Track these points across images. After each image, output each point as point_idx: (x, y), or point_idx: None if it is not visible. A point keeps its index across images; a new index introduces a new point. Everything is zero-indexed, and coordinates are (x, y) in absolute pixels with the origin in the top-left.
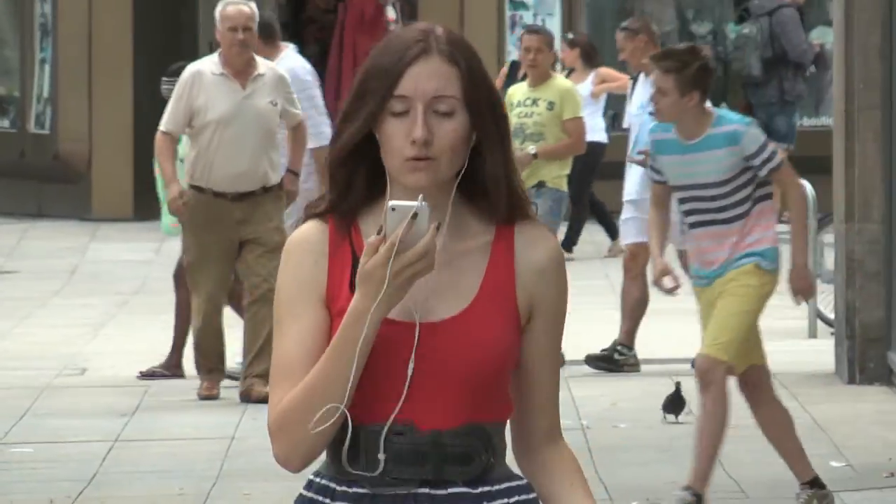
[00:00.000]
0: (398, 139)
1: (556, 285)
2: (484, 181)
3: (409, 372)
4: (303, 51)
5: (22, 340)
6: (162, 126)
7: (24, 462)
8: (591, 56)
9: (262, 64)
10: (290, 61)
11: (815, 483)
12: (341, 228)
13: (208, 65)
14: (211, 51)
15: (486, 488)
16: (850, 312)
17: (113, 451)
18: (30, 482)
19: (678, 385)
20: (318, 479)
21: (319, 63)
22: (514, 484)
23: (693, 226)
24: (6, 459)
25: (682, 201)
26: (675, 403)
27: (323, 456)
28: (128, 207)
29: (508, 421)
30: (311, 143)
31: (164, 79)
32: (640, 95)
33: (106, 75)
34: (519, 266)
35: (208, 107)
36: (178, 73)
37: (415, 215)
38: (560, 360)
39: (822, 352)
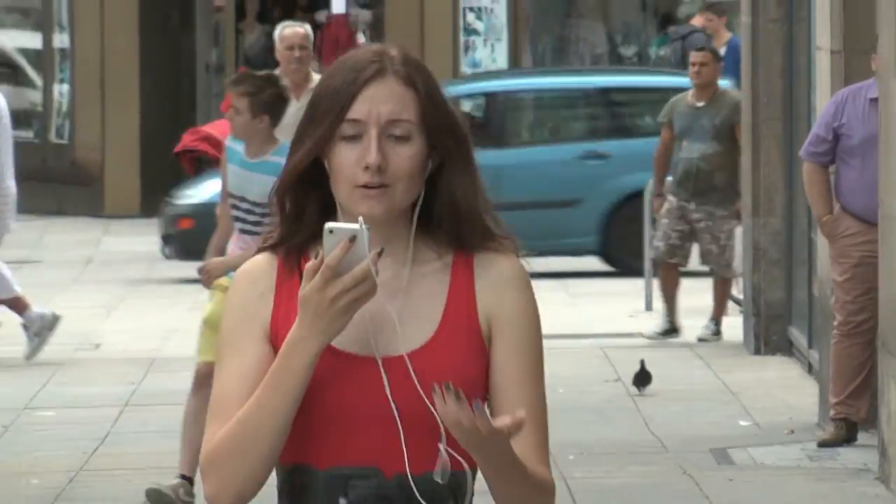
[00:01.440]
0: (349, 165)
1: (518, 300)
2: (442, 208)
3: (395, 414)
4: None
5: None
6: None
7: (47, 424)
8: None
9: (316, 79)
10: None
11: None
12: (290, 261)
13: None
14: (207, 72)
15: None
16: (756, 293)
17: (123, 414)
18: (52, 441)
19: (643, 362)
20: None
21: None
22: None
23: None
24: (32, 422)
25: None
26: (641, 378)
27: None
28: (135, 206)
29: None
30: None
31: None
32: None
33: (116, 93)
34: (478, 287)
35: None
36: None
37: (353, 238)
38: (539, 384)
39: (733, 327)
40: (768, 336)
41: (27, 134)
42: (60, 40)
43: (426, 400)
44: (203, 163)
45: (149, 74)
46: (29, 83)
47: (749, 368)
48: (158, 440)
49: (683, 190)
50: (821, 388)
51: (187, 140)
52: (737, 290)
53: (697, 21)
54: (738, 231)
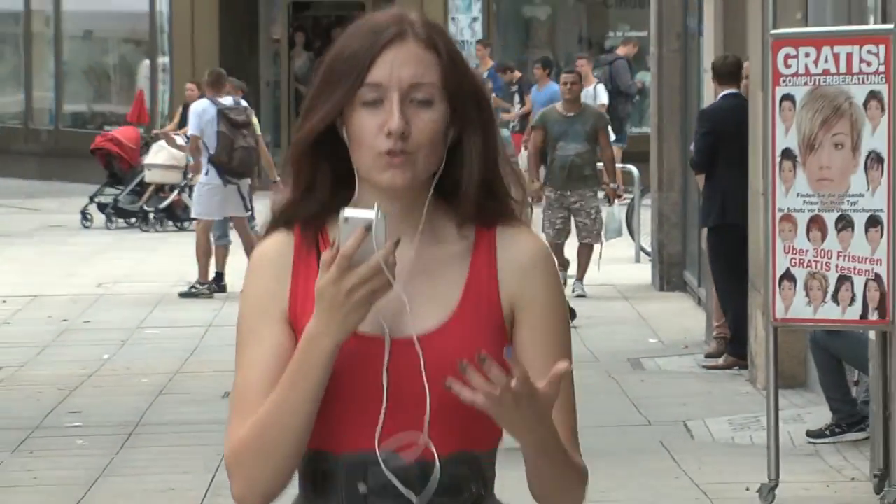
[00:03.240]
0: (370, 132)
1: (543, 286)
2: (464, 178)
3: (384, 394)
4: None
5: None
6: None
7: (154, 339)
8: None
9: None
10: (201, 102)
11: None
12: (307, 238)
13: None
14: (267, 87)
15: None
16: (661, 247)
17: (208, 333)
18: (156, 351)
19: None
20: None
21: None
22: None
23: None
24: (143, 337)
25: None
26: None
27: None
28: None
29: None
30: None
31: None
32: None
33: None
34: (501, 269)
35: None
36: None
37: (369, 227)
38: (568, 381)
39: (644, 271)
40: (669, 278)
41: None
42: (163, 63)
43: (427, 385)
44: (111, 158)
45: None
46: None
47: (656, 301)
48: (233, 352)
49: (560, 181)
50: (707, 316)
51: (99, 141)
52: (646, 245)
53: (620, 51)
54: (604, 209)
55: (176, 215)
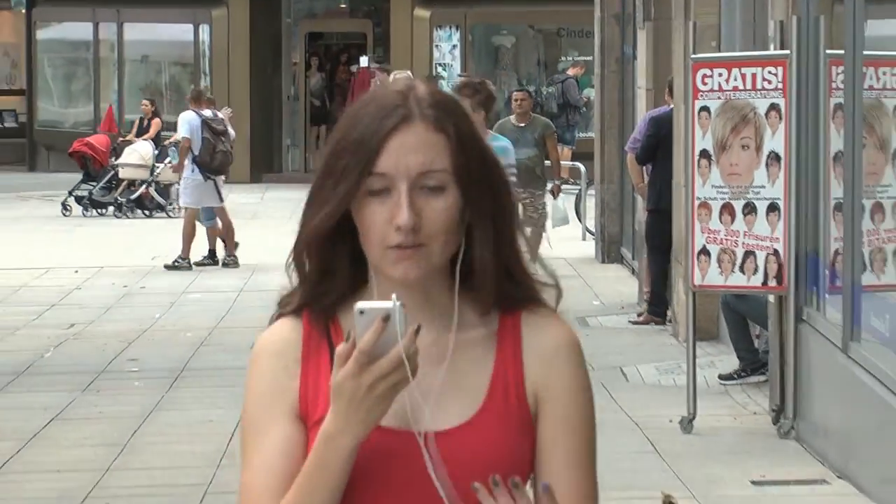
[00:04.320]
0: (379, 224)
1: (570, 377)
2: (481, 264)
3: (441, 492)
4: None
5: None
6: None
7: (196, 301)
8: None
9: None
10: (189, 113)
11: None
12: (318, 326)
13: None
14: (287, 100)
15: None
16: (602, 228)
17: (240, 296)
18: (199, 311)
19: None
20: None
21: None
22: None
23: None
24: (187, 300)
25: None
26: None
27: None
28: (246, 176)
29: None
30: None
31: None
32: None
33: (237, 112)
34: (527, 358)
35: None
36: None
37: (387, 317)
38: (590, 466)
39: (589, 247)
40: (609, 253)
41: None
42: (205, 80)
43: (441, 483)
44: (87, 160)
45: (256, 100)
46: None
47: (598, 271)
48: (261, 313)
49: (515, 182)
50: (639, 283)
51: (76, 146)
52: (591, 226)
53: (570, 71)
54: (550, 202)
55: (144, 205)
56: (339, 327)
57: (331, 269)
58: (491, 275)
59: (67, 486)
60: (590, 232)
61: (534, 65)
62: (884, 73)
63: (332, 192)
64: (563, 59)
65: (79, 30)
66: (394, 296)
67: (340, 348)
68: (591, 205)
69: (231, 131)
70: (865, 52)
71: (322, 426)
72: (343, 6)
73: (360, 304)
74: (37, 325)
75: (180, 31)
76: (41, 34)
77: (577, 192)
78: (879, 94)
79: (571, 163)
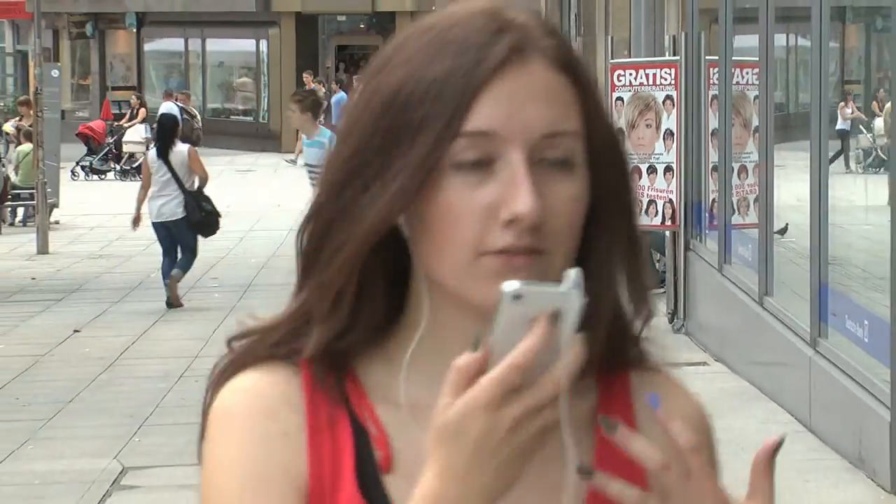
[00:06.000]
0: (470, 216)
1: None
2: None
3: None
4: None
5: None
6: None
7: (258, 237)
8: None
9: None
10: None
11: None
12: (327, 380)
13: None
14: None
15: None
16: None
17: (269, 262)
18: (260, 245)
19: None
20: None
21: None
22: None
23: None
24: (252, 237)
25: None
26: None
27: None
28: (293, 150)
29: None
30: None
31: None
32: None
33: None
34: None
35: None
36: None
37: (557, 313)
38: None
39: None
40: None
41: (248, 118)
42: (264, 83)
43: None
44: (88, 139)
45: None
46: (247, 101)
47: None
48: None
49: None
50: None
51: (82, 129)
52: None
53: None
54: None
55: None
56: (359, 385)
57: (360, 295)
58: (610, 309)
59: (169, 367)
60: None
61: None
62: (746, 73)
63: (388, 169)
64: None
65: (174, 44)
66: (572, 273)
67: (462, 361)
68: None
69: (198, 116)
70: (734, 58)
71: (416, 494)
72: (362, 26)
73: (514, 286)
74: (147, 252)
75: (246, 45)
76: (147, 47)
77: None
78: (743, 87)
79: None
